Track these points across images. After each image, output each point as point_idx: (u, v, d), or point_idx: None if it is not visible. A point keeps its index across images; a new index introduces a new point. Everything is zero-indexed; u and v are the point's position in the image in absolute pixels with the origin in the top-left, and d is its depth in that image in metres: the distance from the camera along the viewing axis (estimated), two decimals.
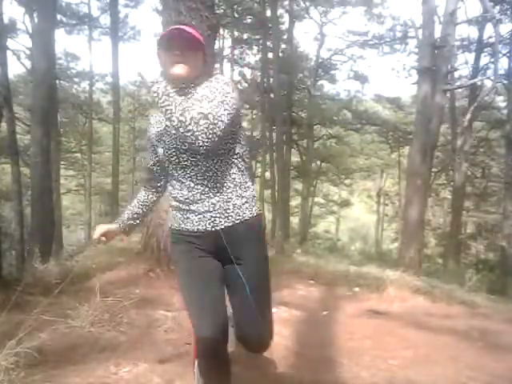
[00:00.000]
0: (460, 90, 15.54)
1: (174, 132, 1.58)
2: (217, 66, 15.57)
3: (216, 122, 1.43)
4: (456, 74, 16.17)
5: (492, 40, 13.45)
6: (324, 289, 4.74)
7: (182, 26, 1.60)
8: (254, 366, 2.41)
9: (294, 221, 22.53)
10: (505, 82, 12.80)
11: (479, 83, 14.10)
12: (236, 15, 17.54)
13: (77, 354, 2.40)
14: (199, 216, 1.59)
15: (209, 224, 1.59)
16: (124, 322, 2.85)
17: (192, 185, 1.58)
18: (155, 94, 1.47)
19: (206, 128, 1.41)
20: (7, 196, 14.79)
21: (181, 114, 1.43)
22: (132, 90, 25.11)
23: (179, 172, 1.61)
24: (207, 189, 1.57)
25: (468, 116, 12.97)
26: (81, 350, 2.44)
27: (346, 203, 26.55)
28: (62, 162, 19.56)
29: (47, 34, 9.22)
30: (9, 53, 14.85)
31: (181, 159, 1.59)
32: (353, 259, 8.78)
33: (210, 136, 1.42)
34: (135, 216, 1.87)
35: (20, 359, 2.04)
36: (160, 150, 1.66)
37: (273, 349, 2.78)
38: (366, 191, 30.28)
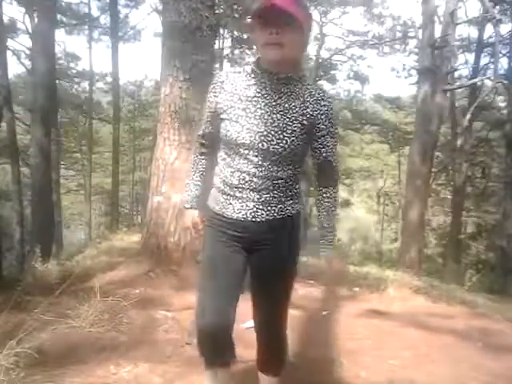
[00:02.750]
0: (460, 89, 15.53)
1: (248, 124, 1.50)
2: (217, 65, 15.57)
3: (293, 140, 1.48)
4: (456, 74, 16.17)
5: (492, 40, 13.45)
6: (324, 289, 4.74)
7: (281, 1, 1.35)
8: (252, 366, 2.41)
9: None
10: (505, 81, 12.79)
11: (479, 83, 14.09)
12: (236, 15, 17.52)
13: (77, 353, 2.40)
14: (242, 204, 1.54)
15: (250, 214, 1.54)
16: (124, 321, 2.85)
17: (246, 177, 1.51)
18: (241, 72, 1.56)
19: (286, 142, 1.47)
20: (7, 196, 14.79)
21: (263, 114, 1.48)
22: (132, 89, 25.13)
23: (237, 160, 1.52)
24: (260, 182, 1.51)
25: (468, 116, 12.98)
26: (81, 350, 2.44)
27: (346, 203, 26.55)
28: (62, 162, 19.57)
29: (47, 34, 9.23)
30: (9, 53, 14.88)
31: (246, 152, 1.51)
32: (353, 259, 8.77)
33: (284, 147, 1.47)
34: (202, 187, 1.78)
35: (20, 359, 2.04)
36: (224, 126, 1.54)
37: None
38: (366, 191, 30.26)
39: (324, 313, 3.80)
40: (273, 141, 1.47)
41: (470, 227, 18.39)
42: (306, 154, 1.58)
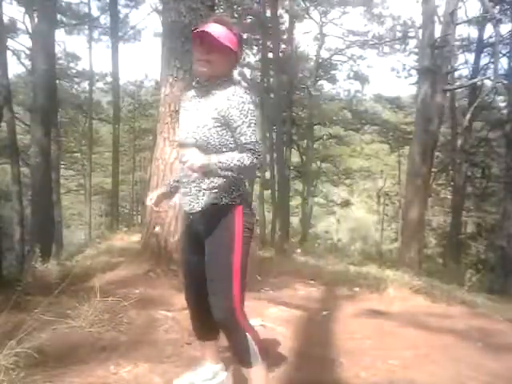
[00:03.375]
0: (460, 89, 15.54)
1: (182, 125, 1.92)
2: None
3: (205, 132, 1.77)
4: (456, 74, 16.18)
5: (492, 40, 13.45)
6: (324, 289, 4.74)
7: (212, 28, 1.73)
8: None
9: (294, 221, 22.53)
10: (505, 81, 12.79)
11: (479, 83, 14.10)
12: (236, 15, 17.53)
13: (77, 353, 2.40)
14: (185, 198, 1.89)
15: (188, 206, 1.88)
16: (124, 321, 2.85)
17: (184, 171, 1.82)
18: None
19: (198, 134, 1.78)
20: (7, 196, 14.80)
21: (189, 115, 1.88)
22: (132, 89, 25.14)
23: (180, 154, 1.92)
24: (189, 174, 1.81)
25: (468, 116, 12.99)
26: (81, 350, 2.44)
27: (346, 203, 26.52)
28: (62, 162, 19.57)
29: (47, 34, 9.23)
30: (9, 53, 14.89)
31: (182, 148, 1.90)
32: (353, 259, 8.77)
33: (199, 140, 1.77)
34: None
35: (20, 359, 2.04)
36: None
37: (273, 349, 2.78)
38: (366, 191, 30.23)
39: (324, 313, 3.80)
40: (189, 133, 1.81)
41: (470, 227, 18.38)
42: (224, 146, 1.78)
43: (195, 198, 1.85)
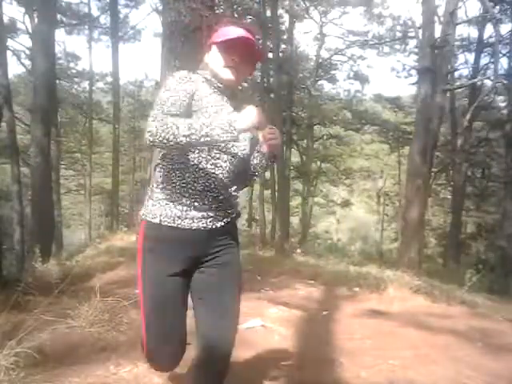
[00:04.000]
0: (460, 89, 15.54)
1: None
2: None
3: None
4: (456, 74, 16.20)
5: (492, 40, 13.45)
6: (324, 289, 4.74)
7: (249, 35, 1.54)
8: (253, 366, 2.42)
9: (294, 221, 22.53)
10: (505, 81, 12.79)
11: (479, 83, 14.10)
12: (236, 15, 17.52)
13: (77, 353, 2.40)
14: (203, 213, 1.51)
15: (209, 222, 1.53)
16: (124, 322, 2.85)
17: (212, 184, 1.53)
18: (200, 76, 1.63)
19: (244, 145, 1.58)
20: (7, 196, 14.79)
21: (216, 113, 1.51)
22: (132, 89, 25.14)
23: (203, 164, 1.51)
24: (223, 190, 1.55)
25: (468, 116, 12.98)
26: (81, 350, 2.44)
27: (346, 203, 26.53)
28: (62, 162, 19.57)
29: (47, 34, 9.23)
30: (9, 53, 14.88)
31: (217, 155, 1.53)
32: (353, 259, 8.78)
33: (247, 152, 1.60)
34: None
35: (20, 359, 2.04)
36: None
37: (273, 349, 2.78)
38: (366, 191, 30.24)
39: (324, 313, 3.80)
40: (240, 146, 1.55)
41: (470, 227, 18.39)
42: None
43: (221, 211, 1.53)
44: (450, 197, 17.47)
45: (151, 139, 1.36)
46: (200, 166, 1.49)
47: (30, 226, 9.67)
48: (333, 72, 22.30)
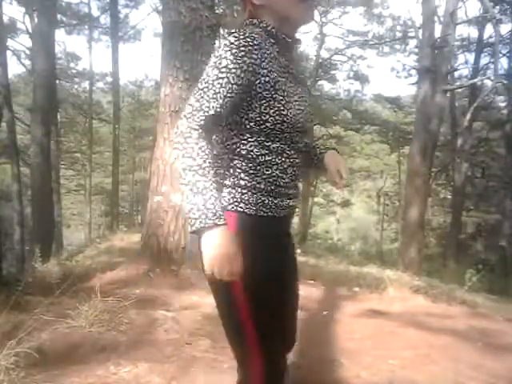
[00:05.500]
0: (460, 89, 15.54)
1: (298, 103, 1.20)
2: None
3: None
4: (456, 74, 16.20)
5: (492, 40, 13.46)
6: (324, 289, 4.74)
7: None
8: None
9: (294, 221, 22.50)
10: (505, 81, 12.80)
11: (479, 83, 14.10)
12: (236, 15, 17.53)
13: (77, 354, 2.40)
14: (288, 201, 1.27)
15: (291, 209, 1.31)
16: (124, 322, 2.85)
17: (297, 170, 1.27)
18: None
19: (312, 114, 1.31)
20: (7, 196, 14.79)
21: (298, 88, 1.23)
22: (132, 89, 25.15)
23: (287, 151, 1.22)
24: (299, 172, 1.29)
25: (468, 116, 12.98)
26: (81, 350, 2.44)
27: (346, 203, 26.55)
28: (62, 162, 19.58)
29: (47, 34, 9.25)
30: (9, 53, 14.89)
31: (298, 138, 1.24)
32: (353, 259, 8.79)
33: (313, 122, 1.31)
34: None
35: (20, 359, 2.04)
36: (272, 108, 1.15)
37: None
38: (366, 191, 30.26)
39: (324, 313, 3.80)
40: (308, 118, 1.26)
41: (470, 227, 18.39)
42: None
43: (295, 197, 1.29)
44: (450, 197, 17.47)
45: (175, 141, 1.11)
46: (284, 154, 1.21)
47: (30, 226, 9.68)
48: (333, 72, 22.30)
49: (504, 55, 14.62)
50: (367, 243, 26.71)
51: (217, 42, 4.46)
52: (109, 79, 21.32)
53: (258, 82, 1.12)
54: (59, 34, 27.82)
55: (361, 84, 22.64)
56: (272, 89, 1.14)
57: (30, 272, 3.99)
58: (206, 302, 3.54)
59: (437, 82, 9.97)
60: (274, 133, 1.17)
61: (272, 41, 1.19)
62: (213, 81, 1.10)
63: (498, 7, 13.89)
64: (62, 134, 19.06)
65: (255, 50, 1.10)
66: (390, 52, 19.90)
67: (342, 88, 24.08)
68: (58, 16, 16.08)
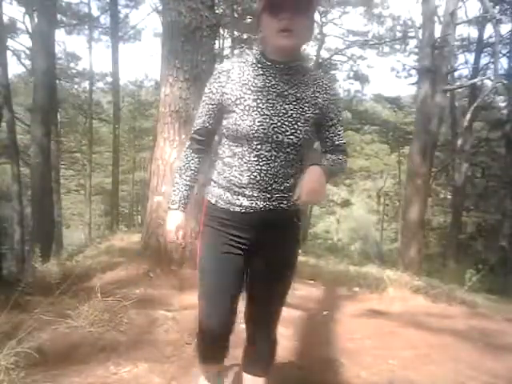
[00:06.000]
0: (460, 89, 15.54)
1: (261, 116, 1.43)
2: (217, 65, 15.56)
3: (307, 130, 1.45)
4: (456, 74, 16.21)
5: (492, 40, 13.46)
6: (324, 289, 4.74)
7: None
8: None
9: None
10: (505, 81, 12.80)
11: (479, 83, 14.10)
12: (236, 15, 17.53)
13: (77, 354, 2.40)
14: (251, 202, 1.52)
15: (259, 209, 1.53)
16: (124, 322, 2.85)
17: (257, 176, 1.48)
18: (244, 60, 1.48)
19: (300, 133, 1.43)
20: (7, 196, 14.80)
21: (275, 104, 1.42)
22: (132, 89, 25.15)
23: (247, 157, 1.47)
24: (271, 181, 1.48)
25: (468, 116, 12.97)
26: (81, 350, 2.44)
27: (346, 203, 26.56)
28: (62, 162, 19.58)
29: (47, 34, 9.25)
30: (9, 53, 14.89)
31: (259, 146, 1.45)
32: (353, 259, 8.79)
33: (299, 138, 1.44)
34: (192, 188, 1.67)
35: (20, 359, 2.04)
36: (233, 120, 1.45)
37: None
38: (366, 191, 30.27)
39: (324, 313, 3.79)
40: (287, 131, 1.42)
41: (470, 227, 18.39)
42: (310, 148, 1.53)
43: (272, 201, 1.48)
44: (450, 197, 17.47)
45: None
46: (244, 159, 1.45)
47: (30, 226, 9.68)
48: (333, 72, 22.30)
49: (504, 55, 14.63)
50: (367, 243, 26.71)
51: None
52: (109, 79, 21.33)
53: (223, 99, 1.48)
54: (59, 34, 27.87)
55: (361, 84, 22.67)
56: (233, 104, 1.45)
57: (30, 272, 3.99)
58: None
59: (437, 82, 9.97)
60: (236, 139, 1.46)
61: (259, 65, 1.46)
62: (200, 103, 1.57)
63: (497, 7, 13.89)
64: (61, 133, 19.06)
65: (223, 75, 1.48)
66: (389, 52, 19.92)
67: (342, 88, 24.08)
68: (58, 16, 16.08)
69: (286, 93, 1.44)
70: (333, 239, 25.96)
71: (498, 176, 16.52)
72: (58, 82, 15.08)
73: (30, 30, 15.48)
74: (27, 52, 17.29)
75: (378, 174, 27.75)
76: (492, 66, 14.10)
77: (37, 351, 2.16)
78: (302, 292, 4.49)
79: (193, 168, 1.63)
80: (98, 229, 21.96)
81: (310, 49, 20.31)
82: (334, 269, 5.97)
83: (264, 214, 1.48)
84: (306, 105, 1.45)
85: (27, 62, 17.66)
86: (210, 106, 1.52)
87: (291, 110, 1.44)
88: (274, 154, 1.43)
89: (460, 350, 3.01)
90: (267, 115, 1.42)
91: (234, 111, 1.44)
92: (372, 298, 4.38)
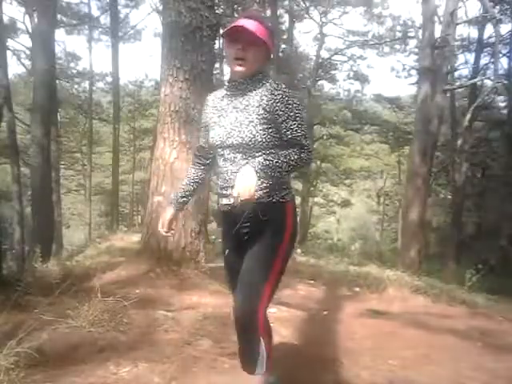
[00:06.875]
0: (460, 89, 15.54)
1: (219, 127, 1.77)
2: (217, 65, 15.57)
3: (251, 130, 1.69)
4: (456, 74, 16.21)
5: (492, 40, 13.46)
6: (324, 289, 4.75)
7: (246, 23, 1.65)
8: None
9: None
10: (505, 81, 12.80)
11: (479, 83, 14.11)
12: (236, 15, 17.53)
13: (77, 354, 2.40)
14: (227, 200, 1.82)
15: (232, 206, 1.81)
16: (124, 321, 2.85)
17: (226, 176, 1.78)
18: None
19: (243, 133, 1.69)
20: (7, 196, 14.80)
21: (229, 115, 1.75)
22: (132, 89, 25.13)
23: (220, 162, 1.82)
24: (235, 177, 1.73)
25: (468, 116, 12.98)
26: (81, 350, 2.44)
27: (346, 203, 26.53)
28: (62, 162, 19.57)
29: (47, 34, 9.24)
30: (9, 53, 14.90)
31: (222, 152, 1.79)
32: (353, 259, 8.78)
33: (243, 138, 1.69)
34: (187, 193, 1.96)
35: (20, 359, 2.04)
36: (207, 135, 1.84)
37: (273, 349, 2.78)
38: (366, 191, 30.25)
39: (324, 313, 3.80)
40: (236, 135, 1.70)
41: (470, 227, 18.38)
42: (270, 143, 1.70)
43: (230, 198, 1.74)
44: (450, 197, 17.46)
45: None
46: (217, 164, 1.82)
47: (30, 226, 9.67)
48: (333, 72, 22.31)
49: (504, 55, 14.64)
50: (367, 243, 26.69)
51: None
52: (109, 79, 21.33)
53: (206, 121, 1.88)
54: (59, 34, 27.80)
55: (361, 84, 22.67)
56: (206, 122, 1.87)
57: (29, 272, 3.98)
58: (205, 302, 3.54)
59: (437, 82, 9.97)
60: (213, 150, 1.84)
61: (225, 86, 1.82)
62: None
63: (498, 7, 13.89)
64: (62, 133, 19.06)
65: (206, 104, 1.91)
66: (389, 52, 19.94)
67: (342, 88, 24.11)
68: (58, 16, 16.07)
69: (238, 104, 1.74)
70: (333, 239, 25.93)
71: (498, 176, 16.52)
72: (58, 81, 15.07)
73: (30, 30, 15.49)
74: (27, 52, 17.31)
75: (377, 174, 27.72)
76: (492, 66, 14.11)
77: (37, 351, 2.16)
78: (302, 292, 4.50)
79: (191, 178, 1.96)
80: (98, 229, 21.94)
81: (310, 49, 20.31)
82: (334, 269, 5.98)
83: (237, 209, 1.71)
84: (252, 109, 1.70)
85: (27, 62, 17.68)
86: (202, 128, 1.92)
87: (240, 116, 1.72)
88: (232, 155, 1.73)
89: (460, 350, 3.01)
90: (223, 126, 1.75)
91: (205, 128, 1.87)
92: (372, 298, 4.39)
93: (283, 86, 1.71)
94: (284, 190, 1.75)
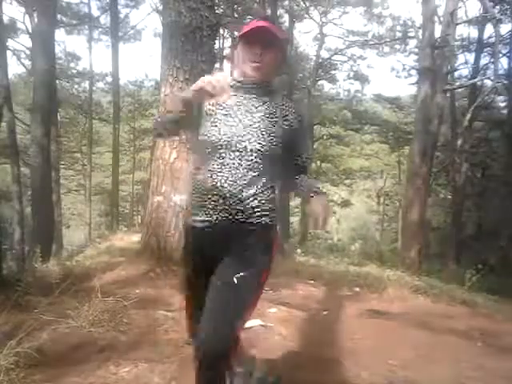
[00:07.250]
0: (460, 89, 15.54)
1: (227, 127, 1.57)
2: (217, 65, 15.57)
3: (273, 140, 1.57)
4: (456, 74, 16.20)
5: (492, 40, 13.45)
6: (324, 289, 4.74)
7: (266, 25, 1.56)
8: None
9: (294, 221, 22.53)
10: (505, 81, 12.80)
11: (479, 83, 14.10)
12: (236, 15, 17.53)
13: (77, 353, 2.40)
14: (212, 211, 1.64)
15: (215, 221, 1.63)
16: (124, 321, 2.85)
17: (218, 183, 1.57)
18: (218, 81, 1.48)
19: (265, 141, 1.55)
20: (7, 196, 14.79)
21: (243, 118, 1.57)
22: (132, 89, 25.12)
23: (211, 164, 1.59)
24: (232, 189, 1.56)
25: (468, 116, 12.98)
26: (81, 350, 2.44)
27: (345, 203, 26.51)
28: (62, 162, 19.56)
29: (47, 34, 9.24)
30: (9, 53, 14.89)
31: (223, 153, 1.57)
32: (353, 259, 8.78)
33: (262, 145, 1.55)
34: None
35: (20, 359, 2.04)
36: (203, 131, 1.60)
37: (273, 348, 2.78)
38: (366, 191, 30.23)
39: (324, 313, 3.80)
40: (251, 139, 1.54)
41: (470, 227, 18.37)
42: (281, 164, 1.61)
43: (227, 212, 1.54)
44: (450, 197, 17.45)
45: None
46: (209, 167, 1.56)
47: (30, 226, 9.67)
48: (333, 72, 22.30)
49: (504, 55, 14.61)
50: (367, 243, 26.67)
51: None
52: (109, 79, 21.31)
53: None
54: (59, 34, 27.80)
55: (361, 84, 22.66)
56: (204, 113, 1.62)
57: (30, 272, 3.98)
58: None
59: (437, 82, 9.97)
60: (202, 150, 1.64)
61: (233, 85, 1.63)
62: None
63: (498, 7, 13.88)
64: (62, 133, 19.05)
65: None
66: (389, 52, 19.92)
67: (342, 88, 24.10)
68: (58, 16, 16.06)
69: (252, 108, 1.60)
70: (333, 239, 25.92)
71: (498, 176, 16.51)
72: (58, 81, 15.07)
73: (30, 30, 15.47)
74: (27, 52, 17.29)
75: (377, 174, 27.71)
76: (492, 66, 14.10)
77: (37, 351, 2.16)
78: (302, 292, 4.50)
79: None
80: (98, 229, 21.93)
81: (310, 49, 20.32)
82: (334, 269, 5.97)
83: (220, 226, 1.55)
84: (275, 119, 1.60)
85: (27, 62, 17.65)
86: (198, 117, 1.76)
87: (258, 122, 1.58)
88: (237, 162, 1.53)
89: (460, 350, 3.01)
90: (231, 125, 1.57)
91: (207, 124, 1.60)
92: (372, 298, 4.39)
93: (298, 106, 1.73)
94: (273, 212, 1.61)
